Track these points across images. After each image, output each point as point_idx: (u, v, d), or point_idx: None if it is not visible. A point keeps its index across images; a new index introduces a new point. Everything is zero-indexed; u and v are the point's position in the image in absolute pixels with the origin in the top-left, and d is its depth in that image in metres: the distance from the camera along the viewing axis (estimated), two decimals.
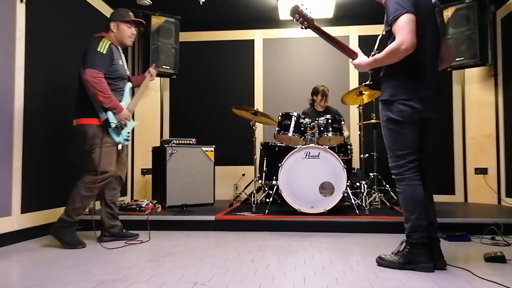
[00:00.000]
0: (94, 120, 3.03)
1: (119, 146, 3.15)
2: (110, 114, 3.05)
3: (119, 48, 3.23)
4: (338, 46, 2.49)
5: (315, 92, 4.89)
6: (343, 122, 4.19)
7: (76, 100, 3.14)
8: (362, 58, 2.41)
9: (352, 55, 2.46)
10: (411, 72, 2.29)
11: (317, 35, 2.52)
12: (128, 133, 3.23)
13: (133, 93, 3.35)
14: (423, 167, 2.40)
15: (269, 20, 5.56)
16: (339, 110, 4.88)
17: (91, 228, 3.11)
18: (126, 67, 3.26)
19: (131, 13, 3.29)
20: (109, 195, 3.23)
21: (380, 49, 2.34)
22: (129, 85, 3.27)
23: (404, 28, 2.15)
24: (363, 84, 2.59)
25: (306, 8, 2.46)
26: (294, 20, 2.47)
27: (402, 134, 2.32)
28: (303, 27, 2.48)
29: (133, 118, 3.28)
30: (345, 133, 4.41)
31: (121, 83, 3.18)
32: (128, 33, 3.24)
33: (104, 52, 3.01)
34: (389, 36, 2.32)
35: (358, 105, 4.35)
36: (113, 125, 3.06)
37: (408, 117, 2.29)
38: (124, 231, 3.28)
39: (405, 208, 2.36)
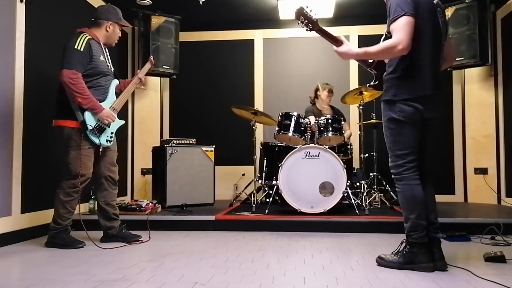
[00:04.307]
0: (70, 122, 2.95)
1: (101, 148, 3.05)
2: (87, 116, 2.94)
3: (101, 43, 3.11)
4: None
5: (322, 89, 4.75)
6: (343, 122, 4.19)
7: (55, 100, 3.05)
8: (348, 47, 2.39)
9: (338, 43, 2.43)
10: (412, 72, 2.30)
11: (319, 36, 2.51)
12: (112, 133, 3.14)
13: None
14: (425, 167, 2.41)
15: (269, 20, 5.56)
16: (340, 109, 4.89)
17: (91, 228, 3.12)
18: (109, 63, 3.15)
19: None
20: (101, 197, 3.18)
21: None
22: (114, 82, 3.17)
23: (402, 29, 2.19)
24: (368, 84, 2.62)
25: (311, 10, 2.45)
26: (299, 22, 2.46)
27: (402, 134, 2.34)
28: (308, 29, 2.48)
29: (125, 117, 3.20)
30: (346, 132, 4.41)
31: (102, 80, 3.07)
32: (118, 35, 3.21)
33: (82, 50, 2.91)
34: (391, 36, 2.32)
35: (358, 105, 4.35)
36: (89, 127, 2.95)
37: (409, 117, 2.30)
38: (124, 231, 3.23)
39: (405, 208, 2.37)
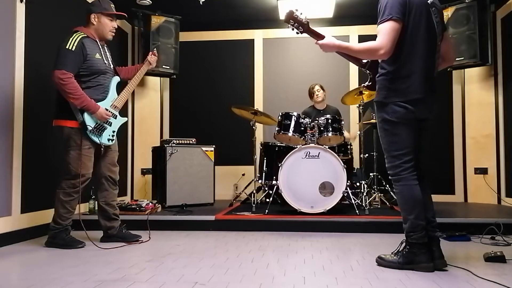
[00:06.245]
0: (70, 122, 2.95)
1: (102, 147, 3.05)
2: (86, 116, 2.94)
3: (98, 41, 3.07)
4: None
5: (309, 93, 4.99)
6: (343, 122, 4.19)
7: (55, 101, 3.04)
8: (330, 39, 2.41)
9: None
10: (403, 75, 2.31)
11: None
12: (114, 131, 3.13)
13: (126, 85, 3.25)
14: (421, 167, 2.41)
15: (269, 20, 5.56)
16: (339, 109, 4.89)
17: (91, 228, 3.12)
18: (107, 61, 3.11)
19: (112, 5, 3.14)
20: (101, 197, 3.18)
21: None
22: (115, 79, 3.15)
23: (386, 35, 2.22)
24: (363, 85, 2.63)
25: (301, 13, 2.47)
26: (289, 26, 2.49)
27: (397, 135, 2.34)
28: (298, 32, 2.51)
29: (126, 114, 3.18)
30: (345, 134, 4.41)
31: (100, 78, 3.04)
32: (110, 26, 3.11)
33: (73, 49, 2.88)
34: None
35: (358, 105, 4.35)
36: (89, 128, 2.95)
37: (402, 117, 2.31)
38: (124, 231, 3.23)
39: (403, 208, 2.37)
